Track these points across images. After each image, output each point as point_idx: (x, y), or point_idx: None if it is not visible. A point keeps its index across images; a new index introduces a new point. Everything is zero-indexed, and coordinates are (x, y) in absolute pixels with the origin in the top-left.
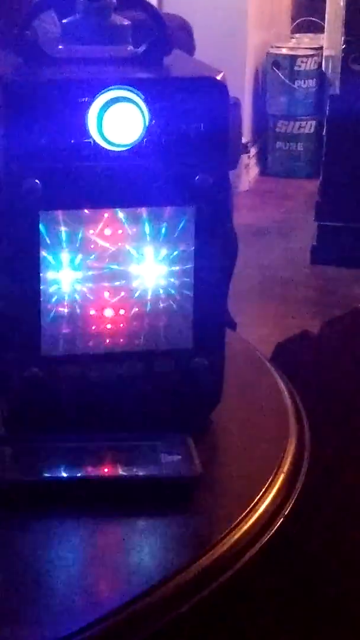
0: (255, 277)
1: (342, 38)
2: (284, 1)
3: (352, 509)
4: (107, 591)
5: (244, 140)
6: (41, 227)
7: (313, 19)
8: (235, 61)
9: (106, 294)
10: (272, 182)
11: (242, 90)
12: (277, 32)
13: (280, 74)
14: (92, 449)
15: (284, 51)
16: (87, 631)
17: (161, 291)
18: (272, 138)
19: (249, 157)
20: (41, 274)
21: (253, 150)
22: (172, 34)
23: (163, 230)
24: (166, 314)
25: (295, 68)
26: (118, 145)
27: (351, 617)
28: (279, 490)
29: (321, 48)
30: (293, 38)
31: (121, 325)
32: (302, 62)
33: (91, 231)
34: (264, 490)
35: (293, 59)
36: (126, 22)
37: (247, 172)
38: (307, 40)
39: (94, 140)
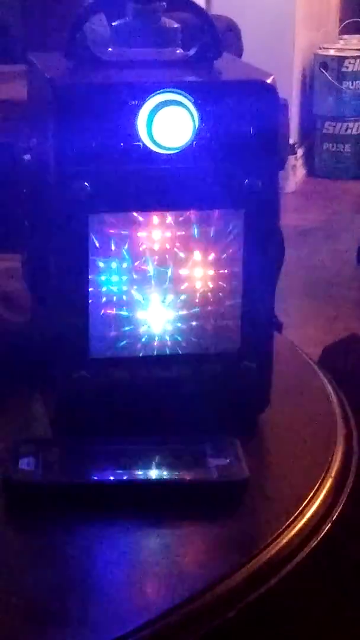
0: (302, 278)
1: None
2: (332, 2)
3: None
4: (154, 595)
5: (291, 141)
6: (90, 230)
7: None
8: (282, 62)
9: (154, 297)
10: (319, 184)
11: (290, 91)
12: (325, 33)
13: (327, 75)
14: (139, 452)
15: (332, 52)
16: (135, 634)
17: (209, 294)
18: (319, 139)
19: (295, 158)
20: (89, 277)
21: (300, 152)
22: (221, 36)
23: (212, 233)
24: (214, 317)
25: (343, 69)
26: (167, 149)
27: None
28: (326, 494)
29: None
30: (341, 39)
31: (169, 328)
32: (350, 63)
33: (140, 234)
34: (311, 494)
35: (341, 60)
36: (176, 25)
37: (294, 173)
38: (355, 42)
39: (144, 144)
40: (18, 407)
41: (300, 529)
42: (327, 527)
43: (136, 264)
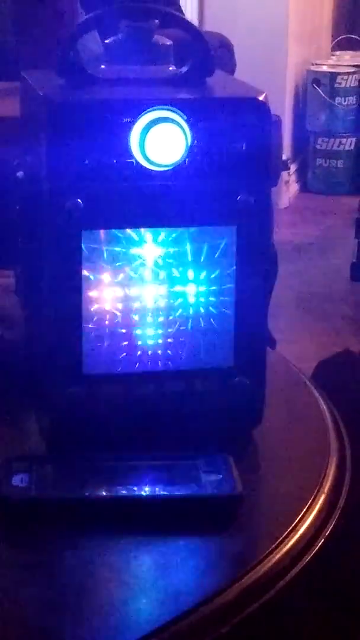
0: (295, 293)
1: None
2: (324, 18)
3: None
4: (148, 611)
5: (284, 157)
6: (83, 246)
7: (353, 36)
8: (275, 78)
9: (148, 313)
10: (312, 199)
11: (283, 108)
12: (318, 49)
13: (320, 91)
14: (133, 467)
15: (325, 68)
16: None
17: (202, 310)
18: (312, 155)
19: (289, 174)
20: (83, 293)
21: (293, 167)
22: (214, 53)
23: (204, 249)
24: (207, 333)
25: (336, 85)
26: (160, 166)
27: None
28: (320, 510)
29: None
30: (333, 55)
31: (162, 344)
32: (342, 79)
33: (133, 251)
34: (305, 510)
35: (333, 76)
36: (168, 42)
37: (287, 189)
38: (347, 58)
39: (136, 161)
40: (11, 423)
41: (294, 545)
42: (320, 543)
43: (129, 280)
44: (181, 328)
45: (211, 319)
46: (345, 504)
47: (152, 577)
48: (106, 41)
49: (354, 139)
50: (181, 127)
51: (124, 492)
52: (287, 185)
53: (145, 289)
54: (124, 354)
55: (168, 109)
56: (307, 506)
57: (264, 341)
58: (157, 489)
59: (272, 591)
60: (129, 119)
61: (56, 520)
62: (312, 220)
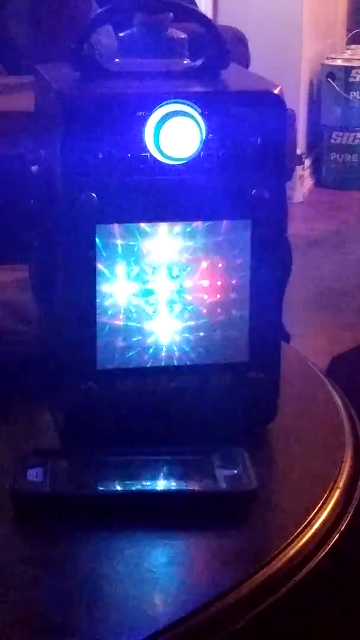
0: (309, 288)
1: None
2: (339, 12)
3: None
4: (161, 606)
5: (298, 151)
6: (97, 240)
7: None
8: (289, 72)
9: (162, 308)
10: (327, 194)
11: (297, 102)
12: (332, 43)
13: (335, 85)
14: (147, 462)
15: (339, 62)
16: None
17: (217, 305)
18: (327, 149)
19: (303, 168)
20: (97, 288)
21: (307, 162)
22: (228, 47)
23: (219, 243)
24: (222, 327)
25: (350, 79)
26: (175, 159)
27: None
28: (335, 505)
29: None
30: (348, 49)
31: (177, 338)
32: (357, 73)
33: (147, 244)
34: (320, 505)
35: (348, 70)
36: (183, 35)
37: (302, 184)
38: None
39: (151, 154)
40: (26, 419)
41: (309, 540)
42: (335, 538)
43: (144, 274)
44: (195, 323)
45: (226, 313)
46: None
47: (165, 572)
48: (120, 35)
49: None
50: (196, 120)
51: (138, 487)
52: (301, 180)
53: (159, 284)
54: (138, 348)
55: (182, 102)
56: (321, 501)
57: (279, 335)
58: (171, 484)
59: (286, 587)
60: (143, 113)
61: (70, 515)
62: (327, 215)
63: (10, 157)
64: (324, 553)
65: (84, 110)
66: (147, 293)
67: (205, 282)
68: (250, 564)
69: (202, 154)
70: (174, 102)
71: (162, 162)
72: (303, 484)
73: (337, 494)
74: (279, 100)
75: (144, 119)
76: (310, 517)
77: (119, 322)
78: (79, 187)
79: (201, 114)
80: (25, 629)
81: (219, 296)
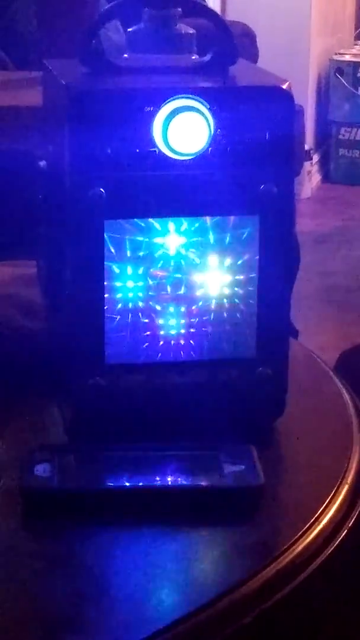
0: (317, 284)
1: None
2: (347, 8)
3: None
4: (169, 602)
5: (306, 147)
6: (106, 236)
7: None
8: (298, 68)
9: (170, 303)
10: (335, 189)
11: (305, 97)
12: (341, 38)
13: (343, 81)
14: (154, 458)
15: (348, 58)
16: None
17: (225, 300)
18: (335, 145)
19: (311, 164)
20: (105, 283)
21: (315, 157)
22: (237, 42)
23: (227, 239)
24: (230, 323)
25: (359, 75)
26: (183, 155)
27: None
28: (342, 501)
29: None
30: (357, 45)
31: (185, 334)
32: None
33: (155, 240)
34: (327, 501)
35: (356, 65)
36: (191, 31)
37: (310, 179)
38: None
39: (159, 150)
40: (34, 414)
41: (316, 536)
42: (343, 534)
43: (152, 270)
44: (203, 318)
45: (234, 309)
46: None
47: (174, 567)
48: (129, 30)
49: None
50: (204, 115)
51: (145, 482)
52: (309, 176)
53: (167, 279)
54: (146, 344)
55: (191, 98)
56: (329, 497)
57: (287, 331)
58: (179, 479)
59: (294, 582)
60: (151, 108)
61: (78, 510)
62: (335, 211)
63: (19, 152)
64: (332, 549)
65: (92, 106)
66: (155, 288)
67: (213, 278)
68: (258, 559)
69: (210, 149)
70: (182, 98)
71: (170, 157)
72: (311, 479)
73: (345, 489)
74: (287, 96)
75: (152, 114)
76: (318, 513)
77: (127, 317)
78: (87, 182)
79: (209, 109)
80: (34, 624)
81: (227, 292)
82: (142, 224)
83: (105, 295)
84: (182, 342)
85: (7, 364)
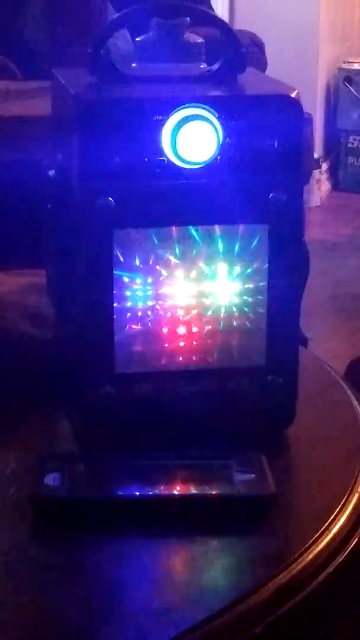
0: (327, 292)
1: None
2: (356, 16)
3: None
4: (180, 611)
5: (315, 155)
6: (115, 245)
7: None
8: (306, 76)
9: (179, 312)
10: (344, 198)
11: (314, 106)
12: (349, 47)
13: (352, 89)
14: (164, 467)
15: (356, 66)
16: None
17: (234, 309)
18: (344, 153)
19: (320, 172)
20: (114, 292)
21: (325, 166)
22: (245, 51)
23: (236, 248)
24: (239, 331)
25: None
26: (192, 163)
27: None
28: (353, 509)
29: None
30: None
31: (194, 343)
32: None
33: (164, 249)
34: (338, 509)
35: None
36: (200, 40)
37: (319, 188)
38: None
39: (168, 159)
40: (44, 423)
41: (327, 544)
42: (354, 542)
43: (161, 278)
44: (213, 327)
45: (243, 318)
46: None
47: (184, 576)
48: (137, 39)
49: None
50: (213, 124)
51: (155, 491)
52: (318, 184)
53: (176, 288)
54: (156, 353)
55: (199, 107)
56: (340, 506)
57: (297, 340)
58: (189, 488)
59: (305, 591)
60: (160, 117)
61: (88, 519)
62: (344, 219)
63: (28, 162)
64: (343, 557)
65: (101, 115)
66: (165, 297)
67: (223, 286)
68: (269, 568)
69: (219, 158)
70: (191, 107)
71: (179, 166)
72: (321, 487)
73: (355, 497)
74: (295, 104)
75: (161, 123)
76: (329, 521)
77: (137, 326)
78: (96, 191)
79: (218, 118)
80: (44, 634)
81: (236, 300)
82: (151, 233)
83: (115, 305)
84: (191, 350)
85: (16, 372)
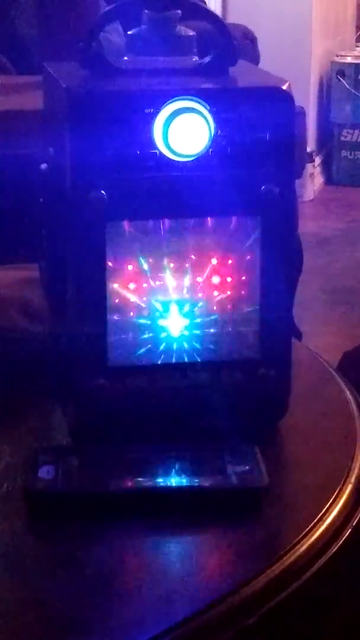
0: (321, 286)
1: None
2: (348, 10)
3: None
4: (174, 602)
5: (308, 149)
6: (107, 237)
7: None
8: (299, 70)
9: (172, 305)
10: (337, 191)
11: (307, 99)
12: (342, 40)
13: (345, 83)
14: (158, 459)
15: (349, 60)
16: None
17: (227, 301)
18: (337, 147)
19: (313, 166)
20: (107, 285)
21: (318, 159)
22: (237, 44)
23: (229, 240)
24: (232, 324)
25: None
26: (184, 156)
27: None
28: (347, 500)
29: None
30: (358, 46)
31: (187, 335)
32: None
33: (157, 241)
34: (331, 500)
35: (358, 67)
36: (191, 33)
37: (312, 181)
38: None
39: (160, 151)
40: (37, 416)
41: (320, 536)
42: (347, 533)
43: (154, 271)
44: (206, 320)
45: (236, 311)
46: None
47: (178, 568)
48: (129, 32)
49: None
50: (204, 117)
51: (149, 484)
52: (311, 178)
53: (169, 280)
54: (149, 345)
55: (191, 99)
56: (333, 497)
57: (290, 332)
58: (183, 480)
59: (298, 583)
60: (152, 110)
61: (82, 512)
62: (337, 213)
63: (20, 156)
64: (336, 548)
65: (93, 108)
66: (158, 290)
67: (216, 279)
68: (262, 559)
69: (211, 150)
70: (183, 99)
71: (171, 159)
72: (314, 479)
73: (348, 489)
74: (287, 96)
75: (153, 116)
76: (322, 513)
77: (130, 318)
78: (88, 184)
79: (210, 111)
80: (38, 626)
81: (229, 293)
82: (144, 226)
83: (108, 297)
84: (184, 343)
85: (10, 366)
